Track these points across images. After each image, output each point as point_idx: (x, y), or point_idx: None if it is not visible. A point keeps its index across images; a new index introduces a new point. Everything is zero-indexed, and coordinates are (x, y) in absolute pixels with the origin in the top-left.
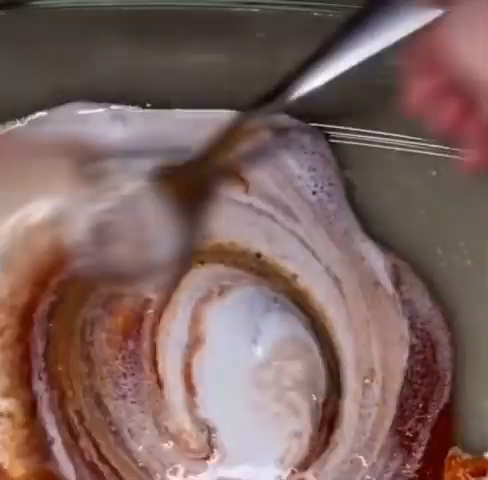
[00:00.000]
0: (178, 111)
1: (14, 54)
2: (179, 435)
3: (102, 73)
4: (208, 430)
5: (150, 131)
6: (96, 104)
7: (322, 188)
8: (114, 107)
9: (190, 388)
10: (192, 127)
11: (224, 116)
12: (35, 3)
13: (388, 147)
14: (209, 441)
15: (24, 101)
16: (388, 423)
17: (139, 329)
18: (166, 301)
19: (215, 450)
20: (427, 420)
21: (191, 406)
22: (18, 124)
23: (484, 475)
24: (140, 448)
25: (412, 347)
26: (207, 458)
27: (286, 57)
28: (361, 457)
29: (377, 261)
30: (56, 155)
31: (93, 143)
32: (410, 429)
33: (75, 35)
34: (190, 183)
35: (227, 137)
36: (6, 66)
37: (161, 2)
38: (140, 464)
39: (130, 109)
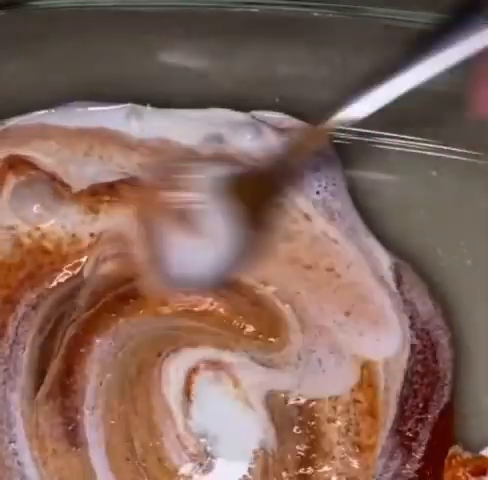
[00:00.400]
0: (184, 111)
1: (14, 54)
2: (177, 436)
3: (102, 73)
4: (205, 436)
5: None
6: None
7: (326, 188)
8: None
9: (188, 391)
10: (196, 126)
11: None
12: (35, 3)
13: (388, 147)
14: (206, 447)
15: (24, 101)
16: (388, 423)
17: None
18: None
19: (213, 457)
20: (427, 420)
21: (187, 409)
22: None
23: (484, 474)
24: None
25: (412, 347)
26: (205, 463)
27: (286, 57)
28: None
29: (381, 259)
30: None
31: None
32: (410, 429)
33: (75, 35)
34: (255, 192)
35: (295, 149)
36: (6, 66)
37: (161, 2)
38: (142, 463)
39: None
